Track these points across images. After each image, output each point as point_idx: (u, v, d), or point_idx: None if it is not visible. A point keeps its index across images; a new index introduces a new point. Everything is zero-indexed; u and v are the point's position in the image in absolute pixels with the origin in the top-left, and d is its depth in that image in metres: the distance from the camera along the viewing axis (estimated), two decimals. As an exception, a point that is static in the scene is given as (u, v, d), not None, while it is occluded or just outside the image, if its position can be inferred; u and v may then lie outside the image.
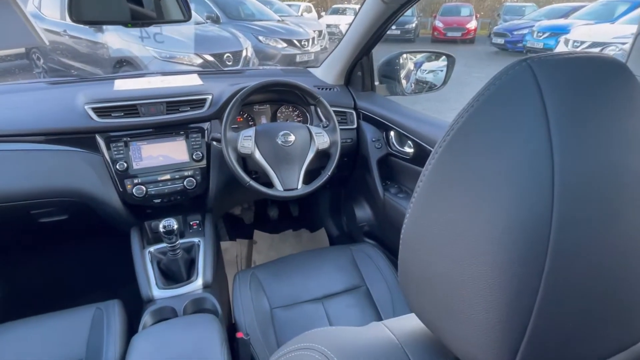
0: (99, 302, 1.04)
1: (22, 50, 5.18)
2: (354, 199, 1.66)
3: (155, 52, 4.10)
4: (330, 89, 1.51)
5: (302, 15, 11.13)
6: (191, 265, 1.18)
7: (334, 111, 1.31)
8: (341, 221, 1.84)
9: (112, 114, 1.17)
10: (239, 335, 0.93)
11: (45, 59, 5.00)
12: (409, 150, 1.32)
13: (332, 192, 1.88)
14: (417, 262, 0.36)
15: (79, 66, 4.73)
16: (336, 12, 13.36)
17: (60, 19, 4.73)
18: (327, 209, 1.94)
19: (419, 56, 1.96)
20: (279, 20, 6.99)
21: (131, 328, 1.00)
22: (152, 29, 4.16)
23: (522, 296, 0.28)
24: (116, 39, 4.29)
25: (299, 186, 1.19)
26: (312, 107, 1.41)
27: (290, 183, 1.18)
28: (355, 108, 1.48)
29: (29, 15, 0.91)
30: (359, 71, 1.49)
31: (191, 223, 1.31)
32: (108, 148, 1.17)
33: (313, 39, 6.74)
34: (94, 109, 1.15)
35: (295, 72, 1.73)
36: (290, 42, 6.35)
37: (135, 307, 1.08)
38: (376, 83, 1.56)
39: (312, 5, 13.54)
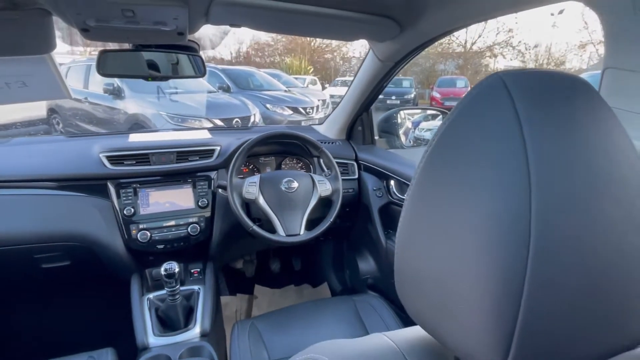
0: (91, 351, 1.00)
1: (44, 115, 5.51)
2: (356, 251, 1.64)
3: (168, 116, 4.36)
4: (332, 143, 1.58)
5: (307, 86, 11.90)
6: (189, 313, 1.15)
7: (336, 162, 1.36)
8: (344, 275, 1.80)
9: (125, 162, 1.23)
10: None
11: (64, 124, 5.31)
12: (409, 198, 1.34)
13: (335, 245, 1.87)
14: (409, 265, 0.37)
15: (95, 130, 5.00)
16: (339, 84, 14.27)
17: (83, 88, 5.12)
18: (330, 262, 1.91)
19: (417, 116, 2.08)
20: (285, 90, 7.48)
21: None
22: (168, 91, 4.51)
23: (509, 286, 0.29)
24: (132, 105, 4.59)
25: (302, 232, 1.21)
26: (315, 159, 1.47)
27: (293, 229, 1.20)
28: (357, 160, 1.54)
29: (60, 71, 1.01)
30: (359, 126, 1.58)
31: (192, 271, 1.30)
32: (118, 194, 1.21)
33: (317, 106, 7.15)
34: (107, 157, 1.22)
35: (299, 129, 1.83)
36: (296, 110, 6.72)
37: (129, 356, 1.03)
38: (376, 137, 1.64)
39: (317, 79, 14.52)
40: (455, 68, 19.20)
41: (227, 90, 6.52)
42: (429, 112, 2.07)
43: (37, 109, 5.48)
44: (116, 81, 4.70)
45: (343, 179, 1.35)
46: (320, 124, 1.75)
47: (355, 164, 1.53)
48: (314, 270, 1.98)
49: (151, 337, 1.04)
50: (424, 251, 0.36)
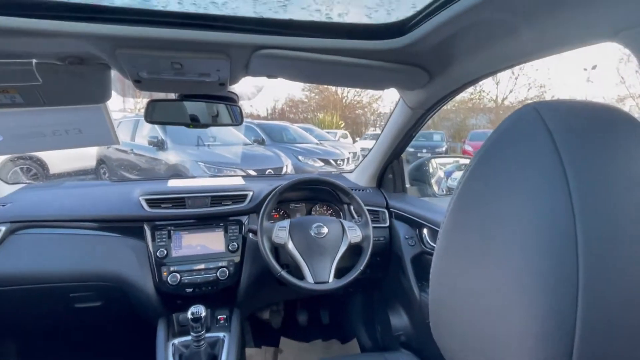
0: None
1: (93, 165, 5.93)
2: (388, 304, 1.56)
3: (206, 166, 4.58)
4: (363, 190, 1.58)
5: (338, 140, 12.21)
6: (213, 361, 1.11)
7: (367, 209, 1.35)
8: (375, 330, 1.70)
9: (162, 205, 1.28)
10: None
11: (110, 173, 5.67)
12: (443, 248, 1.29)
13: (365, 297, 1.79)
14: (445, 305, 0.35)
15: (137, 179, 5.29)
16: (369, 137, 14.54)
17: (130, 140, 5.52)
18: (360, 316, 1.81)
19: (449, 165, 2.05)
20: (317, 143, 7.72)
21: None
22: (207, 143, 4.84)
23: (559, 327, 0.26)
24: (173, 156, 4.87)
25: (330, 280, 1.17)
26: (346, 206, 1.47)
27: (321, 276, 1.17)
28: (387, 207, 1.51)
29: (112, 120, 1.11)
30: (390, 174, 1.58)
31: (218, 317, 1.28)
32: (153, 236, 1.24)
33: (348, 159, 7.27)
34: (146, 200, 1.28)
35: (330, 176, 1.85)
36: (327, 162, 6.86)
37: None
38: (407, 186, 1.63)
39: (347, 133, 14.91)
40: (487, 122, 19.15)
41: (261, 143, 6.81)
42: (461, 161, 2.04)
43: (87, 159, 5.91)
44: (160, 134, 5.04)
45: (374, 227, 1.33)
46: (350, 172, 1.77)
47: (386, 211, 1.50)
48: (343, 324, 1.88)
49: None
50: (460, 290, 0.34)
